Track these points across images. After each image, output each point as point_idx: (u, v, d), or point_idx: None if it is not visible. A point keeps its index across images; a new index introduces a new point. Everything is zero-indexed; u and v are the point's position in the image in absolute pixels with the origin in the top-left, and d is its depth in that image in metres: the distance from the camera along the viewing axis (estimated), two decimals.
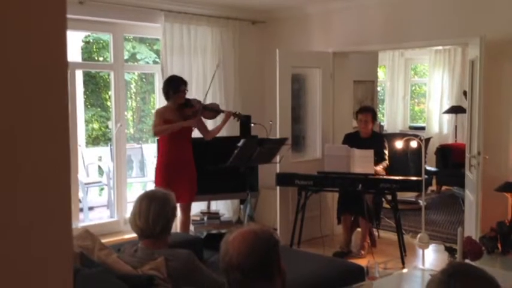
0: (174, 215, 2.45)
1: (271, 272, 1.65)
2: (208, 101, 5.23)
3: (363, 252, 5.23)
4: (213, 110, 4.99)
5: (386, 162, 5.32)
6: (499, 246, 4.29)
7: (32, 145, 0.71)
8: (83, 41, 8.70)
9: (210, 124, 5.35)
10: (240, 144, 4.66)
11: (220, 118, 5.18)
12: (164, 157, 4.80)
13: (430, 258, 5.17)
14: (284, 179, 5.38)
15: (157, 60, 6.52)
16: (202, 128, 5.03)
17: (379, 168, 5.19)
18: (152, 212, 2.34)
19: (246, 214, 5.11)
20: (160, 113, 4.82)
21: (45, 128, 0.72)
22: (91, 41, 9.49)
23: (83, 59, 8.64)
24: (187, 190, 4.80)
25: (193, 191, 4.91)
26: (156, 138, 5.19)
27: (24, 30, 0.69)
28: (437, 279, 1.42)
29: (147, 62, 9.24)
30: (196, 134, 5.12)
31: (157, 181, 4.82)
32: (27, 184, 0.70)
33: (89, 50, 9.58)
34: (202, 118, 5.02)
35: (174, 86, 4.78)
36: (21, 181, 0.70)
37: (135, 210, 2.39)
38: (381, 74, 10.03)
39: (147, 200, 2.39)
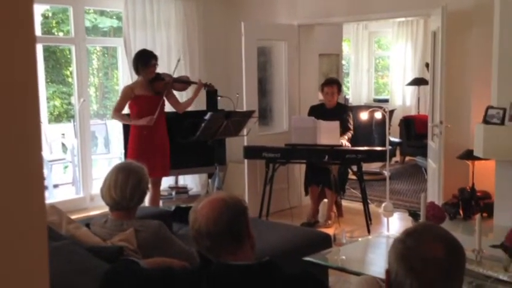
0: (148, 189, 2.47)
1: (240, 236, 1.67)
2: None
3: (329, 222, 5.33)
4: (183, 82, 5.00)
5: (351, 132, 5.39)
6: (461, 212, 4.45)
7: (3, 122, 0.70)
8: (41, 15, 8.42)
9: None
10: (207, 117, 4.65)
11: (191, 90, 5.15)
12: (138, 129, 4.72)
13: (395, 226, 5.31)
14: (252, 152, 5.41)
15: (120, 25, 6.25)
16: (174, 101, 4.97)
17: (343, 140, 5.25)
18: (130, 185, 2.34)
19: (215, 188, 5.13)
20: (126, 92, 4.73)
21: (16, 103, 0.71)
22: (50, 15, 9.20)
23: (42, 34, 8.38)
24: (160, 164, 4.75)
25: (166, 167, 4.87)
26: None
27: None
28: (397, 238, 1.48)
29: (111, 30, 8.96)
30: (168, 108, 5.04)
31: (129, 152, 4.75)
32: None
33: (48, 25, 9.29)
34: (174, 91, 4.97)
35: (144, 59, 4.70)
36: None
37: (111, 182, 2.35)
38: (346, 47, 10.08)
39: (124, 172, 2.37)
